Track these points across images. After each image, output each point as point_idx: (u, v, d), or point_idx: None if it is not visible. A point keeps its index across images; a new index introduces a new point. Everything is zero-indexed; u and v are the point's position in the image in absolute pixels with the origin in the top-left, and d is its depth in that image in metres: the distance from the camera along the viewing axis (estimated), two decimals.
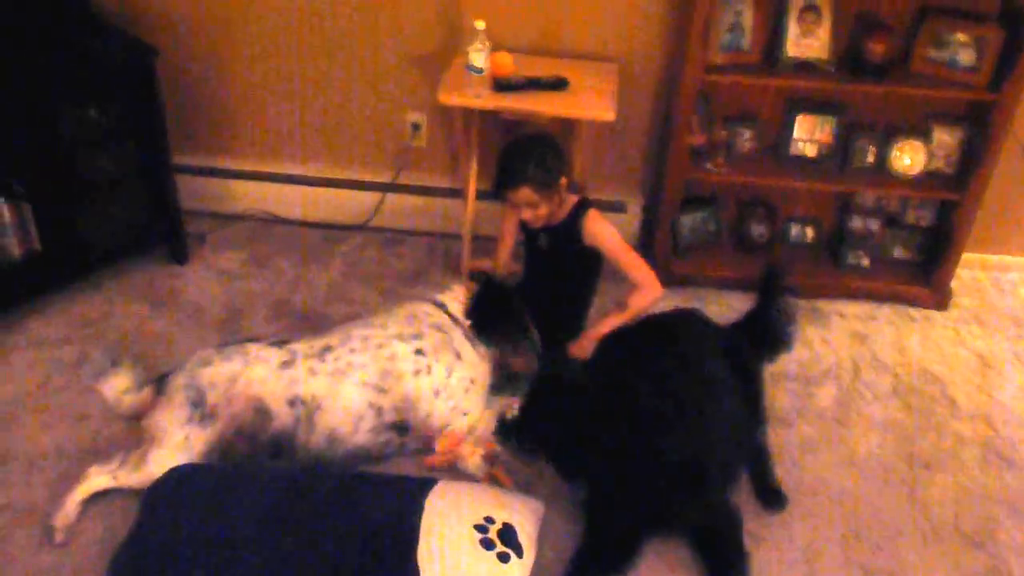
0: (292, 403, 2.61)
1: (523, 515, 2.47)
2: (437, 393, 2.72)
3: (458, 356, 2.80)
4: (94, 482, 2.54)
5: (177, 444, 2.54)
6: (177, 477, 2.48)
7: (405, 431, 2.72)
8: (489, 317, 2.88)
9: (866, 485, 2.76)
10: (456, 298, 2.93)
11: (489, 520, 2.39)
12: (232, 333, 3.16)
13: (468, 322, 2.87)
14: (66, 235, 3.20)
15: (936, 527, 2.63)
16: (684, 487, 2.36)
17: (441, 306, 2.90)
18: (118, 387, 2.75)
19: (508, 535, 2.37)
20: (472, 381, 2.80)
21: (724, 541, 2.45)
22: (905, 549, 2.57)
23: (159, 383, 2.69)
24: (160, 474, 2.49)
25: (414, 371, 2.72)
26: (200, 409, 2.57)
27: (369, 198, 3.78)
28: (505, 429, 2.48)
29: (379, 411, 2.67)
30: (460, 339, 2.84)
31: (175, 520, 2.36)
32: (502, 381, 2.94)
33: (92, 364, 2.78)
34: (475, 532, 2.35)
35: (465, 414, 2.76)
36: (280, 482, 2.48)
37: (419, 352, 2.74)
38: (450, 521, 2.37)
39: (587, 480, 2.46)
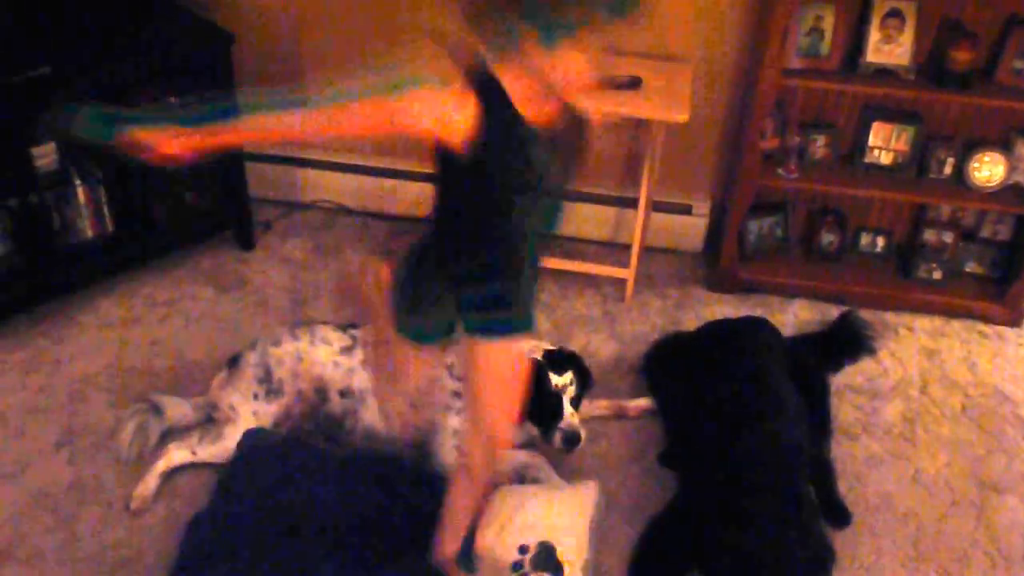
0: (343, 393, 2.66)
1: (566, 525, 2.37)
2: (456, 433, 2.63)
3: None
4: (174, 456, 2.62)
5: (248, 420, 2.63)
6: (250, 446, 2.58)
7: (426, 452, 2.68)
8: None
9: (932, 505, 2.70)
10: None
11: (523, 550, 2.31)
12: (296, 321, 3.18)
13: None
14: (138, 218, 3.24)
15: (1005, 553, 2.57)
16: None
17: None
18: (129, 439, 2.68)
19: (544, 558, 2.30)
20: None
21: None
22: (972, 575, 2.50)
23: (233, 360, 2.76)
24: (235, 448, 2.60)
25: (445, 407, 2.65)
26: (266, 385, 2.65)
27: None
28: None
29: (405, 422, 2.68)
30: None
31: (248, 489, 2.46)
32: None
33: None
34: (510, 572, 2.29)
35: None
36: (349, 457, 2.59)
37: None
38: (494, 548, 2.32)
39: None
